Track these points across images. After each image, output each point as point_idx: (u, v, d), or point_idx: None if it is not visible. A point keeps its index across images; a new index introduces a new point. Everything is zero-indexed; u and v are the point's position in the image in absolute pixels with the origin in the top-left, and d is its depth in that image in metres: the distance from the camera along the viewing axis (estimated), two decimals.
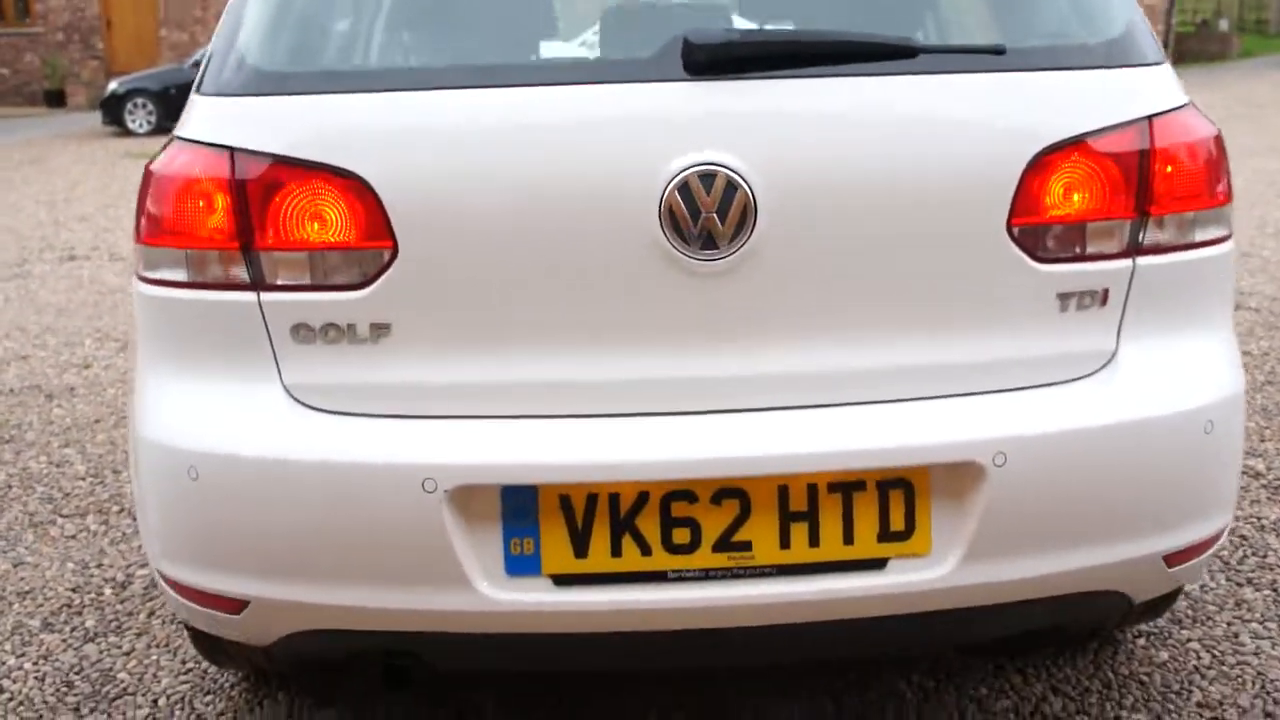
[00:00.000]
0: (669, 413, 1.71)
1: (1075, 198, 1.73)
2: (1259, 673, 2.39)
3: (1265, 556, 2.90)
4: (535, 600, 1.69)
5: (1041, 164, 1.71)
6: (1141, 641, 2.52)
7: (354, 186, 1.68)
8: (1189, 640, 2.52)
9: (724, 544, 1.70)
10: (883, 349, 1.72)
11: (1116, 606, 1.90)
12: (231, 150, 1.71)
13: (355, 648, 1.82)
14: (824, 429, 1.70)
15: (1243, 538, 3.00)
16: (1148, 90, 1.78)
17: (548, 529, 1.69)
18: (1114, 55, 1.79)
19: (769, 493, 1.69)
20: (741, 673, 2.37)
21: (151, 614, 2.73)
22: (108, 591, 2.85)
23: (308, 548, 1.70)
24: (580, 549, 1.69)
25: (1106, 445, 1.72)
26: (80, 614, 2.74)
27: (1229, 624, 2.58)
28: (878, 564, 1.72)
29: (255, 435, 1.71)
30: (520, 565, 1.69)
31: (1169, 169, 1.76)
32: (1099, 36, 1.81)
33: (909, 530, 1.71)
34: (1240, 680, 2.37)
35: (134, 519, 3.25)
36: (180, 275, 1.75)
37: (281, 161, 1.69)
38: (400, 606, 1.70)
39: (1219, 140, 1.84)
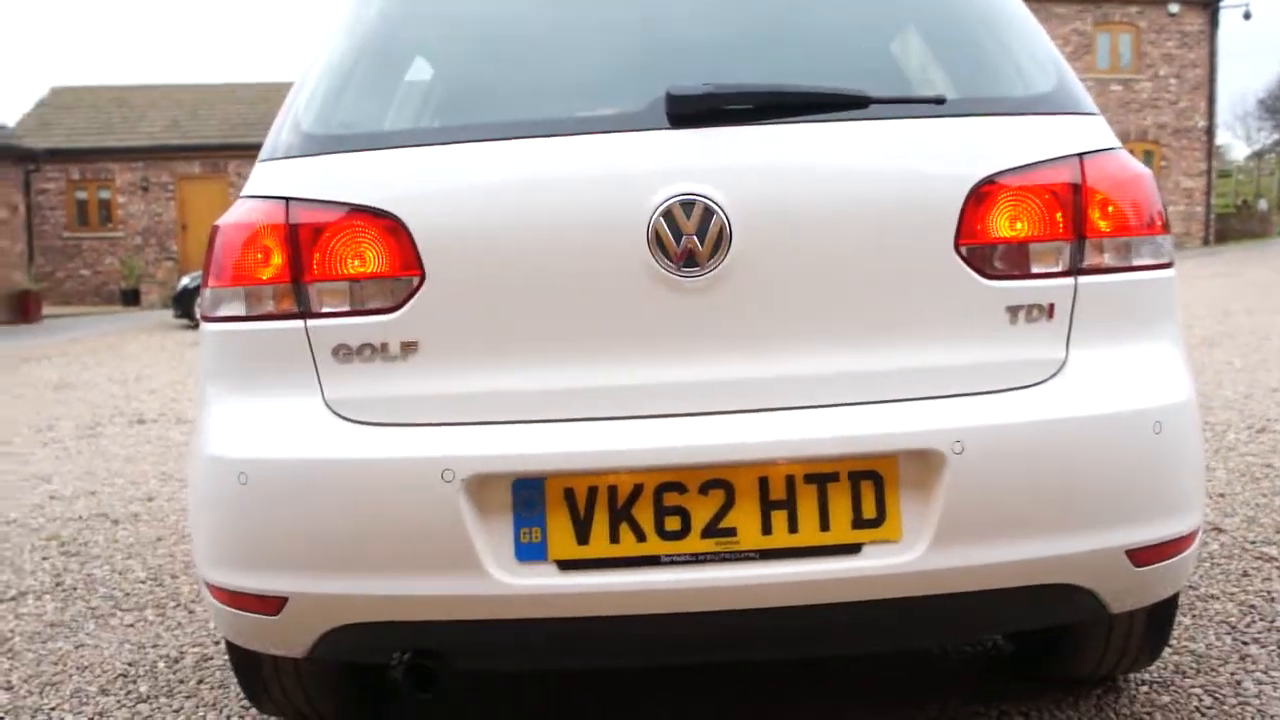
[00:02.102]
0: (660, 414, 1.91)
1: (1015, 223, 1.95)
2: (1260, 710, 2.46)
3: (1273, 621, 2.97)
4: (543, 584, 1.87)
5: (981, 193, 1.95)
6: (1144, 688, 2.60)
7: (390, 226, 1.95)
8: (1191, 687, 2.59)
9: (711, 530, 1.88)
10: (848, 356, 1.93)
11: (1092, 608, 2.02)
12: (287, 200, 2.00)
13: (383, 646, 1.99)
14: (798, 425, 1.89)
15: (1252, 607, 3.08)
16: (1079, 133, 2.03)
17: (553, 518, 1.88)
18: (1047, 104, 2.05)
19: (751, 483, 1.88)
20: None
21: (201, 681, 2.89)
22: (161, 665, 3.03)
23: (340, 542, 1.90)
24: (582, 536, 1.88)
25: (1057, 438, 1.90)
26: (134, 682, 2.92)
27: (1232, 673, 2.65)
28: (853, 549, 1.88)
29: (297, 442, 1.94)
30: (529, 552, 1.88)
31: (1100, 199, 1.98)
32: (1034, 89, 2.08)
33: (880, 517, 1.88)
34: (1241, 718, 2.44)
35: (190, 611, 3.45)
36: (240, 310, 2.02)
37: (329, 205, 1.97)
38: (423, 593, 1.88)
39: (1148, 178, 2.06)
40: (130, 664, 3.04)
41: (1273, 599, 3.14)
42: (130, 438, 7.14)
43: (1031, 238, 1.96)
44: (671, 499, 1.88)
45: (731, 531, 1.88)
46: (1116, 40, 27.81)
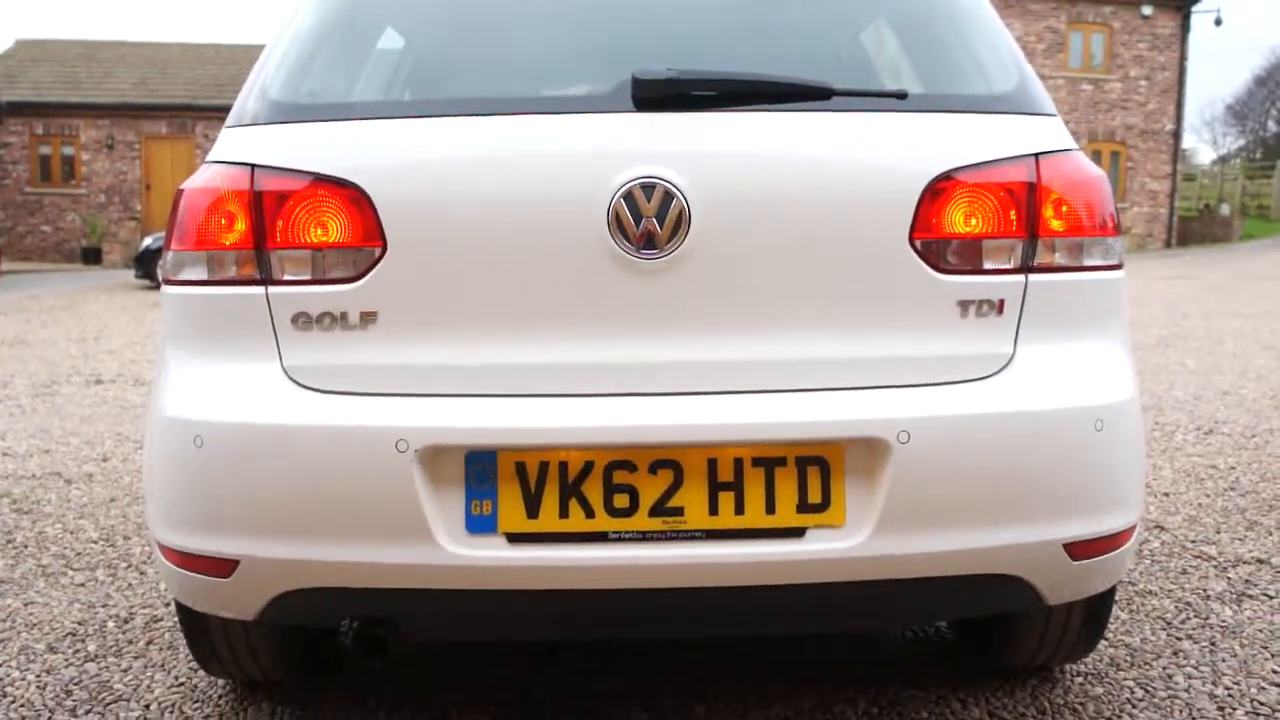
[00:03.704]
0: (613, 393, 1.94)
1: (969, 219, 2.00)
2: (1188, 704, 2.53)
3: (1207, 618, 3.05)
4: (492, 556, 1.90)
5: (937, 189, 1.98)
6: (1079, 679, 2.67)
7: (353, 196, 1.96)
8: (1125, 679, 2.66)
9: (659, 509, 1.91)
10: (802, 343, 1.97)
11: (1028, 599, 2.07)
12: (252, 166, 2.01)
13: (333, 611, 2.02)
14: (749, 409, 1.93)
15: (1187, 604, 3.16)
16: (1036, 134, 2.07)
17: (504, 492, 1.91)
18: (1007, 104, 2.09)
19: (699, 464, 1.92)
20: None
21: (150, 641, 2.90)
22: (110, 625, 3.03)
23: (293, 507, 1.91)
24: (532, 510, 1.91)
25: (1001, 432, 1.94)
26: (83, 641, 2.92)
27: (1164, 668, 2.73)
28: (797, 533, 1.92)
29: (254, 407, 1.95)
30: (479, 524, 1.91)
31: (1055, 200, 2.03)
32: (994, 89, 2.12)
33: (825, 503, 1.93)
34: (1169, 710, 2.51)
35: (141, 573, 3.46)
36: (201, 274, 2.02)
37: (294, 174, 1.98)
38: (373, 560, 1.91)
39: (1102, 180, 2.11)
40: (79, 623, 3.05)
41: (1208, 596, 3.22)
42: (87, 397, 7.09)
43: (985, 234, 2.00)
44: (621, 477, 1.91)
45: (679, 511, 1.91)
46: (1089, 40, 28.02)
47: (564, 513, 1.91)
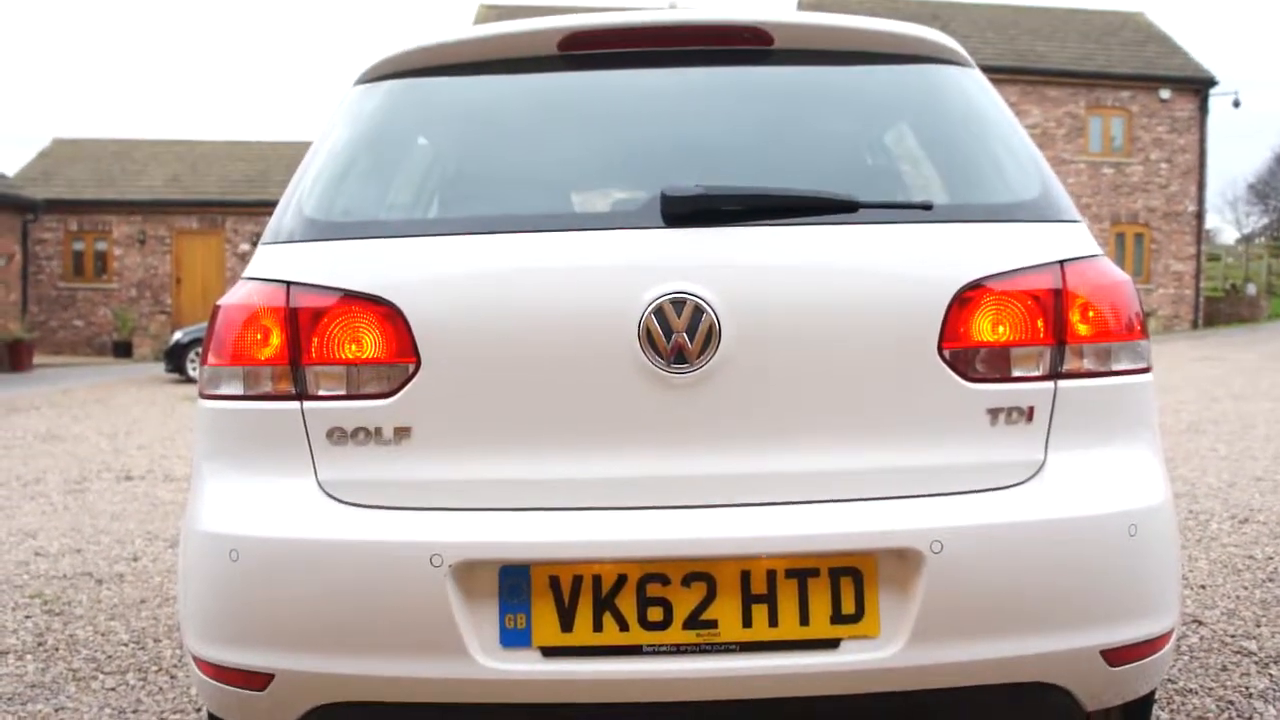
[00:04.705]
0: (646, 506, 1.95)
1: (997, 327, 2.01)
2: None
3: (1250, 717, 2.99)
4: (526, 670, 1.89)
5: (964, 298, 2.01)
6: None
7: (387, 313, 2.00)
8: None
9: (693, 621, 1.91)
10: (832, 454, 1.98)
11: (1066, 706, 2.04)
12: (288, 284, 2.05)
13: None
14: (781, 521, 1.93)
15: (1230, 703, 3.10)
16: (1060, 240, 2.09)
17: (538, 605, 1.91)
18: (1031, 212, 2.12)
19: (732, 577, 1.92)
20: None
21: None
22: None
23: (329, 621, 1.92)
24: (566, 624, 1.91)
25: (1034, 539, 1.94)
26: None
27: None
28: (831, 644, 1.91)
29: (289, 522, 1.97)
30: (513, 638, 1.91)
31: (1081, 305, 2.05)
32: (1018, 196, 2.15)
33: (859, 613, 1.92)
34: None
35: (171, 676, 3.45)
36: (238, 389, 2.06)
37: (328, 291, 2.02)
38: (407, 675, 1.91)
39: (1128, 284, 2.13)
40: None
41: (1250, 694, 3.17)
42: (117, 494, 7.14)
43: (1013, 342, 2.02)
44: (654, 590, 1.91)
45: (713, 623, 1.91)
46: (1109, 124, 28.25)
47: (598, 626, 1.91)
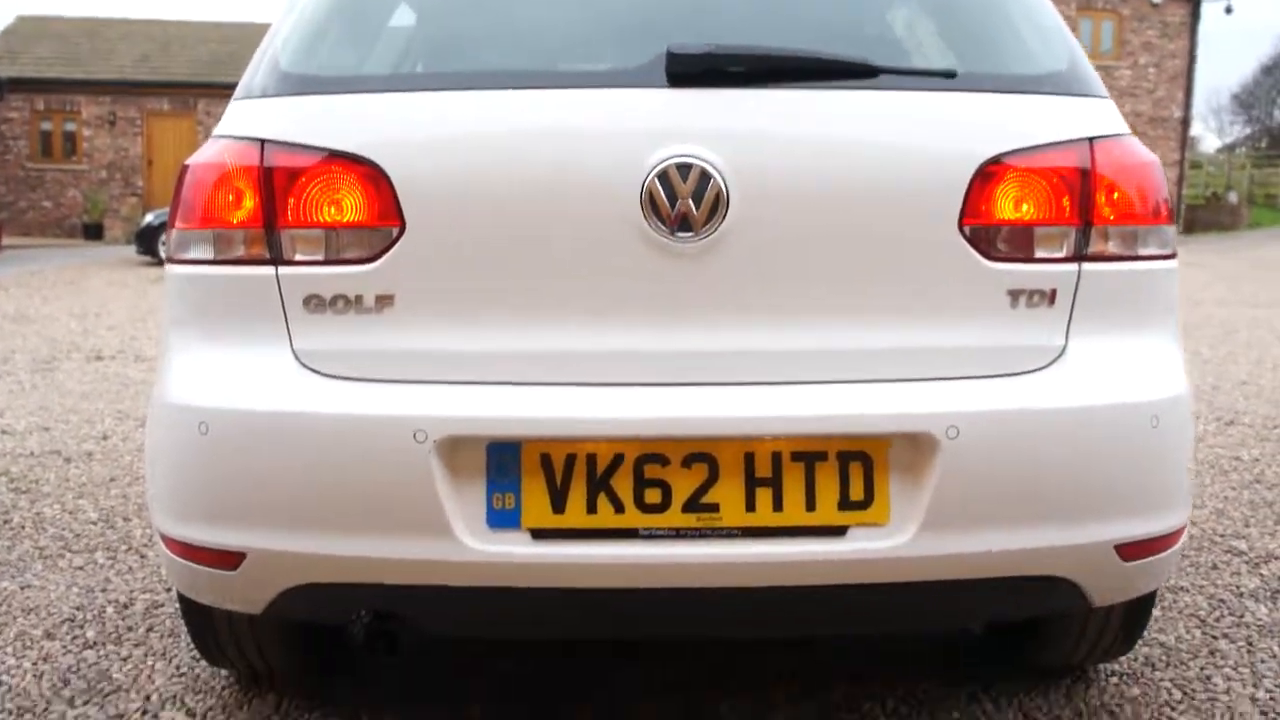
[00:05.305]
0: (645, 383, 1.84)
1: (1021, 205, 1.89)
2: (1229, 707, 2.44)
3: (1242, 616, 2.95)
4: (514, 552, 1.79)
5: (987, 173, 1.87)
6: (1114, 680, 2.57)
7: (369, 173, 1.85)
8: (1161, 680, 2.57)
9: (693, 505, 1.81)
10: (844, 332, 1.86)
11: (1073, 600, 1.97)
12: (261, 141, 1.89)
13: (343, 608, 1.91)
14: (787, 400, 1.82)
15: (1221, 601, 3.06)
16: (1089, 116, 1.96)
17: (528, 485, 1.81)
18: (1058, 85, 1.98)
19: (735, 458, 1.81)
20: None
21: (150, 628, 2.81)
22: (110, 610, 2.93)
23: (304, 498, 1.81)
24: (558, 505, 1.80)
25: (1053, 428, 1.84)
26: (81, 627, 2.82)
27: (1202, 668, 2.63)
28: (838, 531, 1.82)
29: (263, 394, 1.84)
30: (501, 519, 1.80)
31: (1108, 185, 1.92)
32: (1044, 69, 2.00)
33: (868, 500, 1.82)
34: (1210, 713, 2.41)
35: (141, 556, 3.36)
36: (207, 253, 1.91)
37: (306, 150, 1.87)
38: (387, 556, 1.80)
39: (1156, 167, 2.00)
40: (78, 608, 2.95)
41: (1241, 594, 3.13)
42: (87, 374, 6.99)
43: (1037, 221, 1.90)
44: (653, 471, 1.81)
45: (714, 507, 1.81)
46: (1099, 26, 27.79)
47: (592, 508, 1.80)
